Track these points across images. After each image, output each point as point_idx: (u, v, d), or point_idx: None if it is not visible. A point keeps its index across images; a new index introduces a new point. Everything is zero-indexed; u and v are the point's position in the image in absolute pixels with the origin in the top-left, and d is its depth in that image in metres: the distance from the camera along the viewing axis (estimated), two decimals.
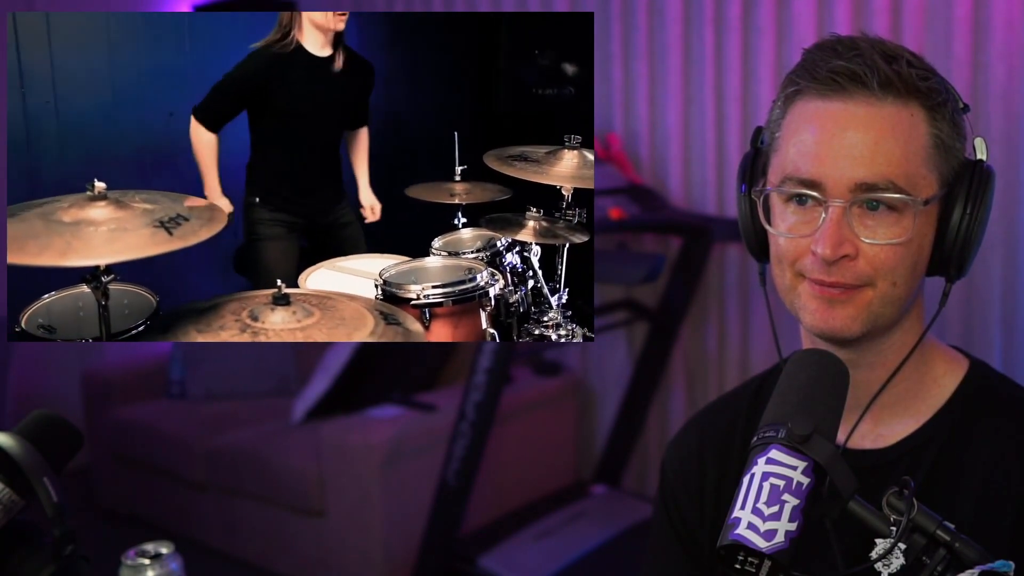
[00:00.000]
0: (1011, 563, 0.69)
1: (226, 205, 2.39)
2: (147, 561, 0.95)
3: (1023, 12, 2.52)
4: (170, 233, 1.29)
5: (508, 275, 2.09)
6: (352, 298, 1.57)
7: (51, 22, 3.02)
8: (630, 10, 3.22)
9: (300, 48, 2.30)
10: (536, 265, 2.13)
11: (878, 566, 0.90)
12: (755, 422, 0.79)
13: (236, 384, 3.75)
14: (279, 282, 1.47)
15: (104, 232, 1.26)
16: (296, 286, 1.99)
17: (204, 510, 3.39)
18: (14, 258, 1.19)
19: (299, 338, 1.38)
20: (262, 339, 1.36)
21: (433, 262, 2.08)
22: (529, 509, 3.17)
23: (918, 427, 0.97)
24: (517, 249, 2.18)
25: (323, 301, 1.51)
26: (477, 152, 2.25)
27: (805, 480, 0.70)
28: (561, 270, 2.18)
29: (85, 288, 1.36)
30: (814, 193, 0.89)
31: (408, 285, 1.86)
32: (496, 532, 2.98)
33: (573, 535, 2.99)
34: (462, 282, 1.88)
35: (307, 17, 2.29)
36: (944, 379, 0.98)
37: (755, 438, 0.74)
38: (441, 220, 2.34)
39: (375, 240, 2.59)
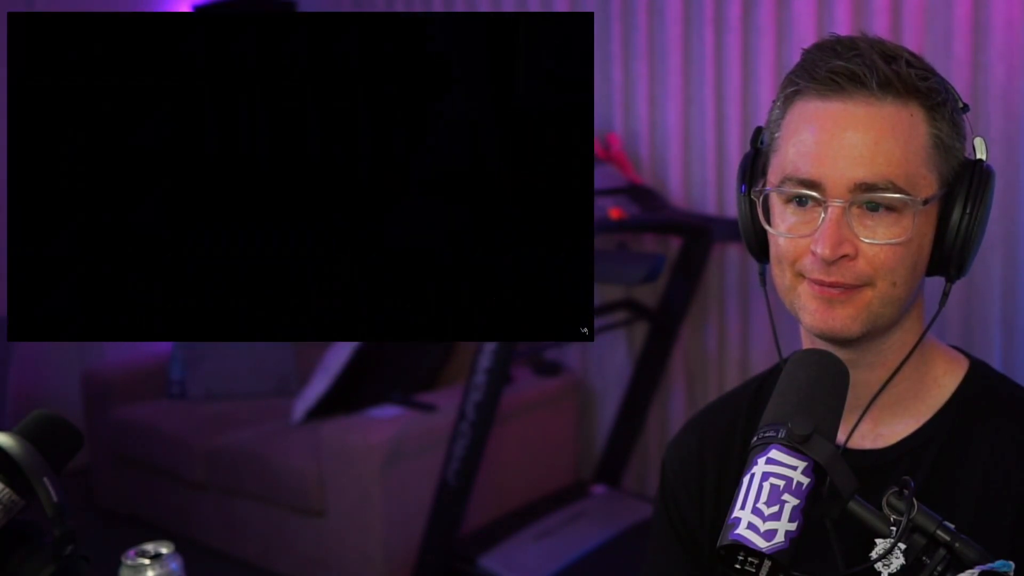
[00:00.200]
0: (1011, 563, 0.69)
1: None
2: (147, 561, 0.94)
3: (1023, 12, 2.52)
4: None
5: None
6: None
7: None
8: (630, 10, 3.22)
9: None
10: None
11: (878, 566, 0.90)
12: (755, 422, 0.79)
13: (236, 384, 3.75)
14: None
15: None
16: None
17: (204, 510, 3.39)
18: None
19: None
20: None
21: None
22: (529, 509, 3.17)
23: (918, 427, 0.97)
24: None
25: None
26: None
27: (805, 480, 0.70)
28: None
29: None
30: (813, 193, 0.89)
31: None
32: (496, 532, 2.98)
33: (573, 535, 2.99)
34: None
35: None
36: (944, 379, 0.98)
37: (755, 438, 0.74)
38: None
39: None
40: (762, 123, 1.00)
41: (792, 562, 0.68)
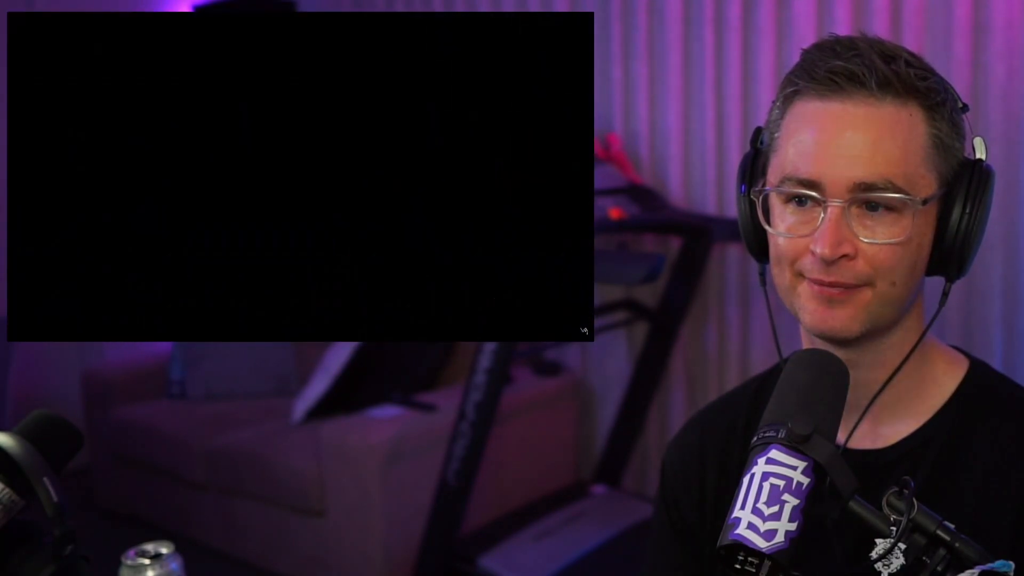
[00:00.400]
0: (1011, 563, 0.69)
1: None
2: (147, 561, 0.95)
3: (1023, 12, 2.52)
4: None
5: None
6: None
7: None
8: (630, 10, 3.22)
9: None
10: None
11: (878, 566, 0.90)
12: (755, 422, 0.79)
13: (236, 384, 3.75)
14: None
15: None
16: None
17: (204, 510, 3.39)
18: None
19: None
20: None
21: None
22: (529, 509, 3.17)
23: (918, 427, 0.97)
24: None
25: None
26: None
27: (805, 480, 0.70)
28: None
29: None
30: (813, 193, 0.89)
31: None
32: (496, 532, 2.98)
33: (573, 535, 2.99)
34: None
35: None
36: (944, 379, 0.98)
37: (755, 438, 0.74)
38: None
39: None
40: (762, 123, 1.00)
41: (792, 562, 0.68)
